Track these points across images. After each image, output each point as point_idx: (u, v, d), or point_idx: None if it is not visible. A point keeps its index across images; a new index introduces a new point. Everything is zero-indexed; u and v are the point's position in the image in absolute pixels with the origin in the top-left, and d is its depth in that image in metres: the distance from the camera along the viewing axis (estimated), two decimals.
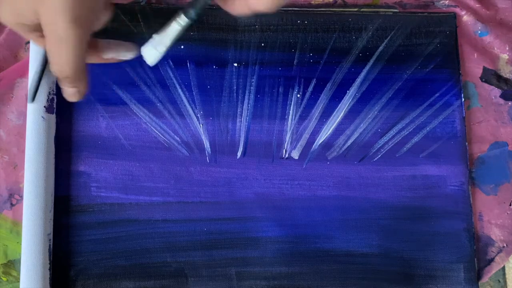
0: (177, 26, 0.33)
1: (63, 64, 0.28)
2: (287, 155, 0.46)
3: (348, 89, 0.46)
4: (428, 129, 0.46)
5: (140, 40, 0.46)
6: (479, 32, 0.49)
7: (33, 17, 0.27)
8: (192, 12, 0.32)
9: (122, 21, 0.46)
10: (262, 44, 0.47)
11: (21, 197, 0.44)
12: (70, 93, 0.31)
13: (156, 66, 0.46)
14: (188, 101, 0.46)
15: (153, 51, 0.33)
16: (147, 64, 0.46)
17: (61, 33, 0.26)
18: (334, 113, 0.46)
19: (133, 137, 0.45)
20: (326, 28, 0.47)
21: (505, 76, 0.48)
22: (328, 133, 0.46)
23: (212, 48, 0.46)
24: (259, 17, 0.47)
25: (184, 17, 0.32)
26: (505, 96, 0.48)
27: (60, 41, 0.27)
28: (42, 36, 0.29)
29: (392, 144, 0.46)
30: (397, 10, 0.49)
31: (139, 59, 0.46)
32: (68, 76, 0.29)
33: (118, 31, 0.46)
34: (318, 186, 0.45)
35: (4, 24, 0.30)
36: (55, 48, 0.27)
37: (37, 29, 0.29)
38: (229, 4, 0.31)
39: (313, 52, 0.47)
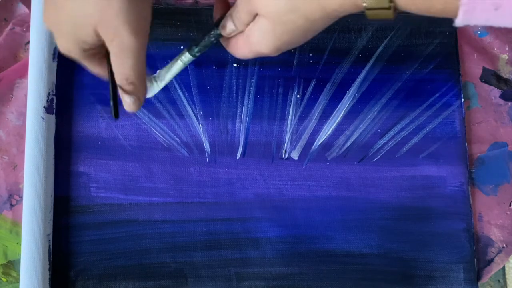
0: (180, 63, 0.34)
1: (128, 71, 0.30)
2: (286, 156, 0.46)
3: (348, 90, 0.46)
4: (428, 129, 0.46)
5: None
6: (479, 32, 0.49)
7: (93, 39, 0.30)
8: (195, 50, 0.33)
9: None
10: None
11: (21, 197, 0.44)
12: (131, 102, 0.33)
13: (156, 66, 0.46)
14: (188, 102, 0.46)
15: (154, 84, 0.34)
16: (148, 64, 0.46)
17: (125, 44, 0.29)
18: (334, 113, 0.46)
19: (132, 137, 0.45)
20: (326, 28, 0.47)
21: (504, 77, 0.48)
22: (328, 133, 0.46)
23: (212, 48, 0.46)
24: None
25: (188, 54, 0.33)
26: (504, 97, 0.48)
27: (125, 51, 0.29)
28: (96, 56, 0.32)
29: (392, 145, 0.46)
30: None
31: None
32: (133, 82, 0.31)
33: None
34: (317, 186, 0.45)
35: (63, 53, 0.32)
36: (120, 59, 0.30)
37: (93, 51, 0.31)
38: (232, 46, 0.32)
39: (312, 53, 0.47)
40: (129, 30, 0.29)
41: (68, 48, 0.31)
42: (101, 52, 0.32)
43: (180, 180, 0.45)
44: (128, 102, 0.33)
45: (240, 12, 0.30)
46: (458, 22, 0.24)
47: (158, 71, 0.34)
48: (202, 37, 0.32)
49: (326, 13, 0.28)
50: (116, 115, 0.33)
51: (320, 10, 0.28)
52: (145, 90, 0.33)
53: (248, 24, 0.30)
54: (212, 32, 0.32)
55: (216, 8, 0.33)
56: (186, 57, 0.33)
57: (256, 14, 0.29)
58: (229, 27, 0.31)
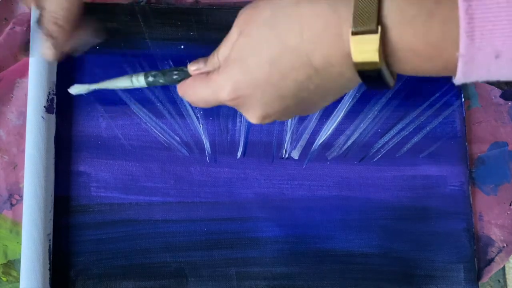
0: (129, 82, 0.32)
1: (61, 12, 0.30)
2: (287, 155, 0.46)
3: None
4: (428, 129, 0.46)
5: (140, 40, 0.46)
6: None
7: None
8: (150, 74, 0.31)
9: (122, 21, 0.46)
10: None
11: (21, 197, 0.44)
12: (50, 46, 0.32)
13: (156, 66, 0.46)
14: None
15: (82, 87, 0.33)
16: (148, 64, 0.46)
17: None
18: (334, 113, 0.46)
19: (133, 137, 0.45)
20: None
21: None
22: (328, 133, 0.46)
23: (212, 48, 0.46)
24: None
25: (143, 79, 0.31)
26: (505, 96, 0.48)
27: None
28: None
29: (392, 144, 0.46)
30: None
31: (139, 59, 0.46)
32: (61, 26, 0.30)
33: (118, 31, 0.46)
34: (318, 186, 0.45)
35: None
36: None
37: None
38: (189, 84, 0.31)
39: None
40: None
41: None
42: None
43: (181, 180, 0.45)
44: (47, 45, 0.32)
45: (221, 47, 0.29)
46: (459, 78, 0.23)
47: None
48: (164, 70, 0.31)
49: (313, 69, 0.26)
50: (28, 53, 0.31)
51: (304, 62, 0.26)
52: (68, 44, 0.32)
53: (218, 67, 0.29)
54: (177, 69, 0.30)
55: None
56: (136, 81, 0.31)
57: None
58: (200, 63, 0.30)
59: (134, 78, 0.31)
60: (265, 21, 0.27)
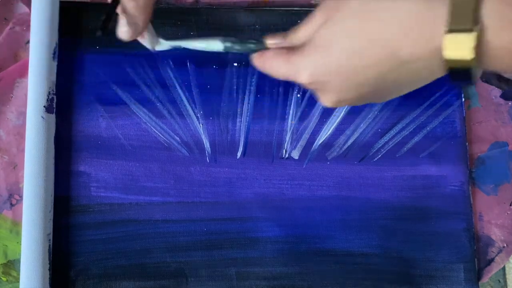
0: (203, 44, 0.33)
1: None
2: (287, 155, 0.46)
3: None
4: (428, 129, 0.46)
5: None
6: None
7: None
8: (228, 41, 0.32)
9: None
10: None
11: (21, 197, 0.44)
12: (127, 27, 0.32)
13: (156, 66, 0.46)
14: (188, 101, 0.46)
15: (161, 41, 0.34)
16: (148, 64, 0.46)
17: None
18: (334, 113, 0.46)
19: (133, 137, 0.45)
20: None
21: (505, 76, 0.48)
22: (328, 133, 0.46)
23: None
24: (259, 17, 0.47)
25: (219, 42, 0.32)
26: (505, 96, 0.48)
27: None
28: None
29: (392, 144, 0.46)
30: None
31: (139, 59, 0.46)
32: (138, 4, 0.31)
33: None
34: (318, 186, 0.45)
35: None
36: None
37: None
38: (269, 57, 0.32)
39: None
40: None
41: None
42: None
43: (180, 180, 0.45)
44: (122, 23, 0.32)
45: (303, 27, 0.29)
46: None
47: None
48: (243, 38, 0.31)
49: (399, 61, 0.26)
50: (104, 31, 0.31)
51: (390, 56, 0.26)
52: (143, 24, 0.33)
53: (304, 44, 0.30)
54: (254, 39, 0.31)
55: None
56: (214, 44, 0.32)
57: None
58: (277, 38, 0.31)
59: (211, 40, 0.32)
60: (354, 11, 0.27)
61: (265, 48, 0.31)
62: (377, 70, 0.27)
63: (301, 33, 0.30)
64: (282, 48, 0.31)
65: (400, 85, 0.29)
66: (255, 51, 0.31)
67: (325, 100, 0.31)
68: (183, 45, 0.34)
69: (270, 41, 0.32)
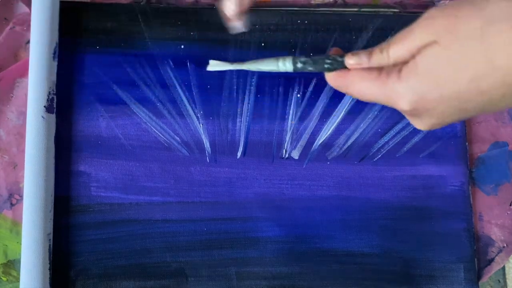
0: (275, 66, 0.30)
1: None
2: (287, 155, 0.46)
3: None
4: None
5: (140, 40, 0.46)
6: None
7: None
8: (299, 60, 0.29)
9: (122, 21, 0.46)
10: (262, 44, 0.47)
11: (21, 197, 0.44)
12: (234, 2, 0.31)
13: (156, 66, 0.46)
14: (188, 101, 0.46)
15: (224, 65, 0.32)
16: (148, 64, 0.46)
17: None
18: (334, 113, 0.46)
19: (133, 137, 0.45)
20: (326, 28, 0.47)
21: None
22: (328, 133, 0.46)
23: (212, 48, 0.46)
24: (259, 17, 0.47)
25: (289, 60, 0.29)
26: None
27: None
28: None
29: (392, 144, 0.46)
30: (397, 10, 0.48)
31: (139, 59, 0.46)
32: None
33: (118, 31, 0.46)
34: (318, 186, 0.45)
35: None
36: None
37: None
38: (351, 78, 0.29)
39: (313, 52, 0.47)
40: None
41: None
42: None
43: (181, 180, 0.45)
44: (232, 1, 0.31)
45: (395, 45, 0.26)
46: None
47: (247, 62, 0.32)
48: (315, 57, 0.29)
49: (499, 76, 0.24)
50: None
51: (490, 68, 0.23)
52: (246, 3, 0.31)
53: (396, 64, 0.26)
54: (329, 57, 0.28)
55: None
56: (283, 65, 0.29)
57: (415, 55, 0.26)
58: (361, 58, 0.27)
59: (281, 62, 0.29)
60: (473, 34, 0.24)
61: (342, 67, 0.28)
62: (489, 98, 0.25)
63: (393, 52, 0.27)
64: (370, 69, 0.28)
65: (501, 108, 0.27)
66: (331, 70, 0.29)
67: (422, 125, 0.28)
68: (250, 67, 0.31)
69: (351, 61, 0.28)
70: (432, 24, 0.25)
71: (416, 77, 0.26)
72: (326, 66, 0.28)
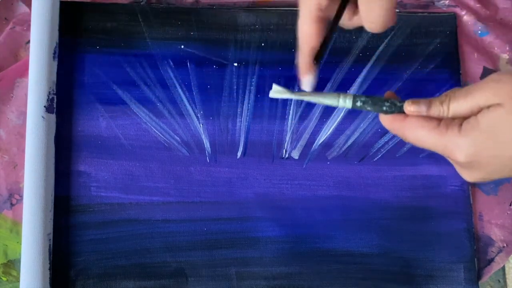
0: (335, 101, 0.31)
1: (381, 19, 0.30)
2: (287, 155, 0.46)
3: (349, 89, 0.46)
4: None
5: (140, 40, 0.46)
6: (479, 32, 0.49)
7: None
8: (359, 100, 0.30)
9: (122, 21, 0.46)
10: (262, 44, 0.47)
11: (21, 197, 0.44)
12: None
13: (156, 66, 0.46)
14: (188, 101, 0.46)
15: (285, 92, 0.32)
16: (148, 64, 0.46)
17: None
18: (334, 113, 0.46)
19: (133, 137, 0.45)
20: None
21: None
22: (328, 133, 0.46)
23: (212, 48, 0.47)
24: (259, 17, 0.47)
25: (349, 98, 0.30)
26: None
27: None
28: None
29: (392, 144, 0.46)
30: (397, 10, 0.48)
31: (139, 59, 0.46)
32: (380, 31, 0.30)
33: (118, 31, 0.46)
34: (318, 186, 0.45)
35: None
36: (373, 6, 0.29)
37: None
38: (409, 124, 0.30)
39: None
40: None
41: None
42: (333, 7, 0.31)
43: (181, 180, 0.45)
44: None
45: (457, 101, 0.28)
46: None
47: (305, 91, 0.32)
48: (374, 98, 0.30)
49: None
50: (317, 60, 0.31)
51: None
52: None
53: (455, 117, 0.28)
54: (388, 101, 0.29)
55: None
56: (343, 101, 0.30)
57: (478, 112, 0.27)
58: (421, 107, 0.29)
59: (341, 99, 0.30)
60: None
61: (400, 112, 0.30)
62: None
63: (453, 107, 0.28)
64: (429, 117, 0.29)
65: None
66: (388, 113, 0.30)
67: (470, 177, 0.30)
68: (310, 99, 0.32)
69: (411, 108, 0.29)
70: (498, 88, 0.27)
71: (476, 134, 0.27)
72: (384, 108, 0.30)
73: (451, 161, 0.30)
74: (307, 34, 0.31)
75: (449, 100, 0.28)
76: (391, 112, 0.30)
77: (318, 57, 0.31)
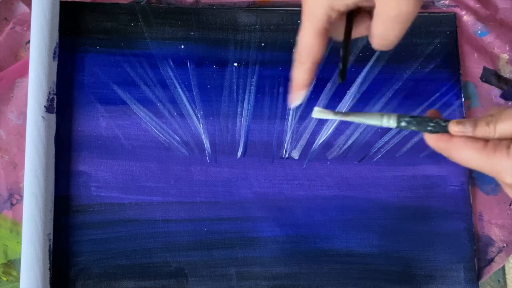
0: (379, 121, 0.30)
1: (394, 40, 0.29)
2: (287, 155, 0.46)
3: (349, 89, 0.46)
4: None
5: (140, 40, 0.46)
6: (479, 32, 0.49)
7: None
8: (403, 120, 0.30)
9: (122, 21, 0.46)
10: (262, 44, 0.47)
11: (21, 197, 0.44)
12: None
13: (156, 66, 0.46)
14: (188, 101, 0.46)
15: (328, 113, 0.31)
16: (148, 64, 0.46)
17: (403, 7, 0.27)
18: None
19: (133, 137, 0.45)
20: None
21: (505, 76, 0.48)
22: (328, 133, 0.46)
23: (212, 48, 0.47)
24: (259, 17, 0.47)
25: (395, 121, 0.30)
26: (505, 96, 0.48)
27: (399, 16, 0.28)
28: (331, 26, 0.30)
29: (392, 144, 0.46)
30: None
31: (139, 59, 0.46)
32: (389, 49, 0.30)
33: (118, 31, 0.46)
34: (318, 186, 0.45)
35: (308, 9, 0.29)
36: (389, 24, 0.28)
37: (337, 18, 0.30)
38: (455, 143, 0.30)
39: None
40: None
41: (319, 6, 0.29)
42: (339, 20, 0.30)
43: (181, 180, 0.45)
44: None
45: (504, 122, 0.28)
46: None
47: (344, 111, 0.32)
48: (418, 118, 0.30)
49: None
50: (343, 78, 0.30)
51: None
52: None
53: (501, 138, 0.28)
54: (433, 120, 0.29)
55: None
56: (387, 121, 0.30)
57: None
58: (466, 127, 0.29)
59: (385, 119, 0.30)
60: None
61: (445, 131, 0.30)
62: None
63: (500, 128, 0.28)
64: (474, 138, 0.29)
65: None
66: (432, 132, 0.30)
67: None
68: (354, 119, 0.31)
69: (456, 129, 0.29)
70: None
71: None
72: (429, 128, 0.30)
73: (498, 181, 0.30)
74: (312, 46, 0.30)
75: (495, 121, 0.28)
76: (436, 132, 0.30)
77: (344, 76, 0.31)
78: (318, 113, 0.32)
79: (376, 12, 0.28)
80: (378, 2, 0.28)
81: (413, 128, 0.30)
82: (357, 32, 0.32)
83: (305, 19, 0.30)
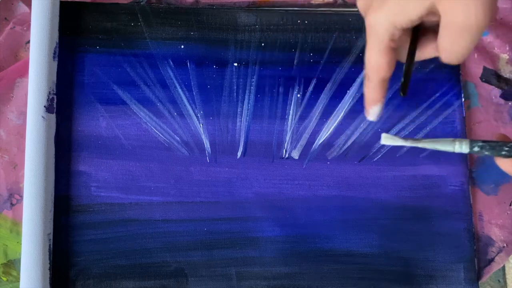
0: (451, 147, 0.30)
1: (464, 52, 0.28)
2: (287, 155, 0.46)
3: (349, 89, 0.46)
4: (428, 129, 0.46)
5: (140, 40, 0.46)
6: None
7: (422, 12, 0.27)
8: (476, 145, 0.29)
9: (122, 21, 0.46)
10: (262, 44, 0.47)
11: (21, 197, 0.44)
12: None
13: (156, 66, 0.46)
14: (188, 101, 0.46)
15: (397, 140, 0.31)
16: (148, 64, 0.46)
17: (472, 20, 0.26)
18: (334, 113, 0.46)
19: (133, 137, 0.45)
20: (326, 28, 0.47)
21: (505, 76, 0.48)
22: (328, 133, 0.46)
23: (212, 48, 0.47)
24: (259, 17, 0.47)
25: (467, 147, 0.30)
26: (505, 96, 0.48)
27: (467, 29, 0.26)
28: (397, 42, 0.29)
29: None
30: None
31: (139, 59, 0.46)
32: (460, 62, 0.29)
33: (118, 31, 0.46)
34: (318, 186, 0.45)
35: (370, 28, 0.29)
36: (457, 36, 0.27)
37: (402, 33, 0.29)
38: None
39: (313, 52, 0.47)
40: (482, 6, 0.25)
41: (380, 24, 0.28)
42: (404, 37, 0.30)
43: (181, 180, 0.45)
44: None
45: None
46: None
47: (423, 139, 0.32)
48: (492, 142, 0.29)
49: None
50: (405, 93, 0.30)
51: None
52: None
53: None
54: (507, 145, 0.29)
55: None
56: (460, 146, 0.30)
57: None
58: None
59: (457, 144, 0.30)
60: None
61: None
62: None
63: None
64: None
65: None
66: (507, 157, 0.30)
67: None
68: (425, 146, 0.31)
69: None
70: None
71: None
72: (503, 152, 0.29)
73: None
74: (378, 65, 0.30)
75: None
76: (510, 156, 0.29)
77: (405, 91, 0.30)
78: (386, 139, 0.31)
79: (443, 24, 0.27)
80: (444, 12, 0.26)
81: (487, 153, 0.30)
82: (425, 53, 0.31)
83: (368, 38, 0.29)
